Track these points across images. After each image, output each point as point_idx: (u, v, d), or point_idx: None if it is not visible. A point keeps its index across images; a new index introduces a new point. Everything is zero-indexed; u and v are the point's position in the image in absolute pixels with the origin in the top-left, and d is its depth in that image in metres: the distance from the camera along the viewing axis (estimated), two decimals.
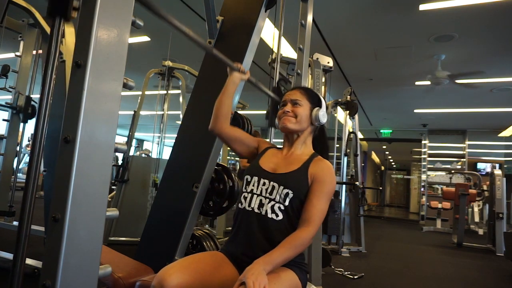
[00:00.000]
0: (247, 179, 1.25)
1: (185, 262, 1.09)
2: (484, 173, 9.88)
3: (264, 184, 1.20)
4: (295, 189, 1.17)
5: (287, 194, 1.17)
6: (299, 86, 1.40)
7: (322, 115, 1.27)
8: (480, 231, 7.06)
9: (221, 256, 1.20)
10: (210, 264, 1.13)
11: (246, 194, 1.22)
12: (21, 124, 3.34)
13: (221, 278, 1.12)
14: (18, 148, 3.46)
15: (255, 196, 1.20)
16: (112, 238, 3.56)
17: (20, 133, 3.40)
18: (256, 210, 1.18)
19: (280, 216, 1.16)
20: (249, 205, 1.19)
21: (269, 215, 1.16)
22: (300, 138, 1.29)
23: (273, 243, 1.11)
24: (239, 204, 1.24)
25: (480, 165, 10.89)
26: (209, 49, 1.28)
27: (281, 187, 1.17)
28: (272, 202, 1.17)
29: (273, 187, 1.18)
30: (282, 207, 1.16)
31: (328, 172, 1.21)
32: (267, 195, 1.18)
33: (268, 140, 1.73)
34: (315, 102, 1.30)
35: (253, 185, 1.22)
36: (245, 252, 1.17)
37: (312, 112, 1.27)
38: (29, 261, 2.31)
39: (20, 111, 3.28)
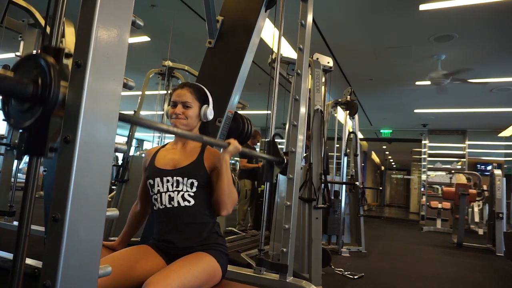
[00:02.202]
0: (150, 183, 1.32)
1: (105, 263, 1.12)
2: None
3: (168, 181, 1.28)
4: (198, 177, 1.28)
5: (192, 183, 1.27)
6: (188, 84, 1.39)
7: (209, 112, 1.37)
8: (480, 231, 7.06)
9: (145, 248, 1.26)
10: (130, 258, 1.18)
11: (155, 196, 1.29)
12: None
13: (144, 269, 1.16)
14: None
15: (163, 194, 1.27)
16: (112, 238, 3.55)
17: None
18: (168, 205, 1.25)
19: (192, 201, 1.26)
20: (161, 204, 1.27)
21: (182, 204, 1.25)
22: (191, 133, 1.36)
23: (192, 228, 1.24)
24: (153, 207, 1.30)
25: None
26: (199, 139, 1.30)
27: (185, 179, 1.27)
28: (181, 192, 1.26)
29: (178, 181, 1.27)
30: (192, 194, 1.27)
31: (215, 153, 1.36)
32: (174, 188, 1.27)
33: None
34: (203, 99, 1.37)
35: (158, 186, 1.29)
36: (168, 244, 1.24)
37: (201, 110, 1.36)
38: (29, 261, 2.30)
39: (14, 147, 3.23)
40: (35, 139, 0.66)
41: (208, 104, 1.38)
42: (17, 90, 0.61)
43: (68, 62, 0.66)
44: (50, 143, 0.65)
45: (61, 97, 0.64)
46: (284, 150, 1.95)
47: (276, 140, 1.82)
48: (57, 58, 0.66)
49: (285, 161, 1.85)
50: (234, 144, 1.32)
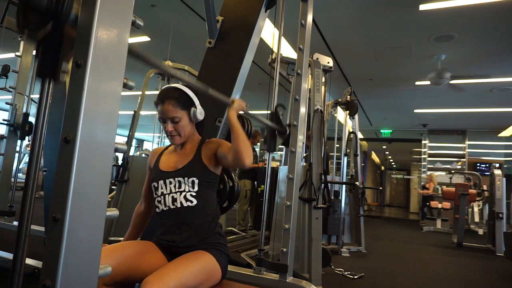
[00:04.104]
0: (154, 185, 1.32)
1: (109, 249, 1.14)
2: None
3: (170, 183, 1.29)
4: (198, 174, 1.28)
5: (193, 182, 1.28)
6: (167, 94, 1.29)
7: (199, 112, 1.33)
8: (480, 231, 7.06)
9: (149, 244, 1.27)
10: (137, 249, 1.20)
11: (159, 198, 1.30)
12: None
13: (148, 263, 1.18)
14: (18, 148, 3.46)
15: (166, 196, 1.28)
16: (112, 238, 3.56)
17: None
18: (172, 207, 1.26)
19: (195, 201, 1.26)
20: (165, 206, 1.28)
21: (185, 204, 1.26)
22: (189, 138, 1.37)
23: (194, 227, 1.24)
24: (156, 209, 1.31)
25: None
26: (205, 91, 1.24)
27: (186, 178, 1.28)
28: (184, 193, 1.27)
29: (180, 181, 1.28)
30: (194, 193, 1.27)
31: (214, 140, 1.37)
32: (177, 189, 1.27)
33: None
34: (188, 104, 1.31)
35: (162, 188, 1.30)
36: (171, 243, 1.25)
37: (190, 115, 1.31)
38: (29, 261, 2.31)
39: (18, 128, 3.22)
40: (48, 60, 0.68)
41: (194, 106, 1.32)
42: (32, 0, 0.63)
43: None
44: (62, 64, 0.67)
45: (74, 14, 0.66)
46: (287, 123, 2.00)
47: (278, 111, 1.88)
48: None
49: (288, 132, 1.90)
50: (237, 101, 1.34)
